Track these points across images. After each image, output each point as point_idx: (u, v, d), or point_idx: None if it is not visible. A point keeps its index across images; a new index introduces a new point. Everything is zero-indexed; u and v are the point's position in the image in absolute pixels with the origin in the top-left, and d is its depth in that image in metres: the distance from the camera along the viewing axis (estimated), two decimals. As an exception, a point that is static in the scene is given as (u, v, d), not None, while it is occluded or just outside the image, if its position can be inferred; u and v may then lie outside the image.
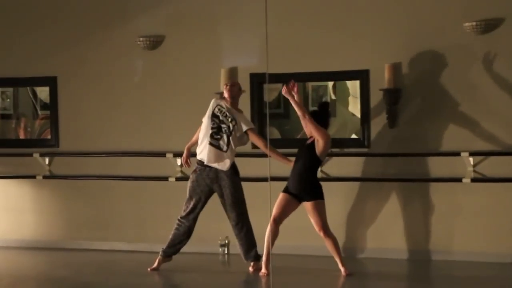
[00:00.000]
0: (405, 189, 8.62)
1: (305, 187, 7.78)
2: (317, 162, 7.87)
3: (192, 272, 8.14)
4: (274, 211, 7.76)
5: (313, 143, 7.80)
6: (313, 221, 7.75)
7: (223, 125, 7.96)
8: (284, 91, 7.74)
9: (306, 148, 7.85)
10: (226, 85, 8.17)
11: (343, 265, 7.80)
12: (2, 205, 9.82)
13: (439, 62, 8.47)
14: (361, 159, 8.72)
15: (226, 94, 8.11)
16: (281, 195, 7.88)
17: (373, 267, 8.36)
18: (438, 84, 8.50)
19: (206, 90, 8.94)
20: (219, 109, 8.01)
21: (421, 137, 8.55)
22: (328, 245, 7.78)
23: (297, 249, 8.74)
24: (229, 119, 7.96)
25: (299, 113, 7.77)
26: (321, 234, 7.72)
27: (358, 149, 8.71)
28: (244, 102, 8.73)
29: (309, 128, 7.85)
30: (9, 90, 9.85)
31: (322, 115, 7.90)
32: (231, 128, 7.94)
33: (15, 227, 9.72)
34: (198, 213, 8.06)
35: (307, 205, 7.78)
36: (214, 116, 7.99)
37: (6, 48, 9.73)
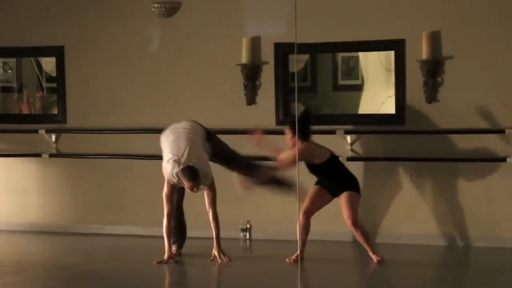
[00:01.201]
0: (444, 169, 8.27)
1: (335, 183, 7.58)
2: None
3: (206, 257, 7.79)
4: (305, 203, 7.61)
5: None
6: (343, 211, 7.55)
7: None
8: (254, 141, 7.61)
9: None
10: (194, 186, 7.44)
11: (374, 252, 7.61)
12: (5, 185, 9.63)
13: (483, 30, 8.08)
14: (395, 137, 8.38)
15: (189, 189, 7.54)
16: (313, 187, 7.66)
17: (408, 253, 8.03)
18: (481, 54, 8.12)
19: (226, 61, 8.73)
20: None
21: (462, 113, 8.20)
22: (358, 236, 7.62)
23: (327, 235, 8.44)
24: None
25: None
26: (349, 224, 7.54)
27: (392, 126, 8.36)
28: (268, 74, 8.60)
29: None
30: (12, 61, 9.70)
31: (304, 124, 7.52)
32: None
33: (19, 209, 9.54)
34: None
35: (340, 196, 7.58)
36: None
37: (8, 14, 9.46)
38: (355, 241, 7.86)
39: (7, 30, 9.41)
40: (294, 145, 7.47)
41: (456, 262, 7.82)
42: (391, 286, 6.98)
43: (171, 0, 8.81)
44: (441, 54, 8.14)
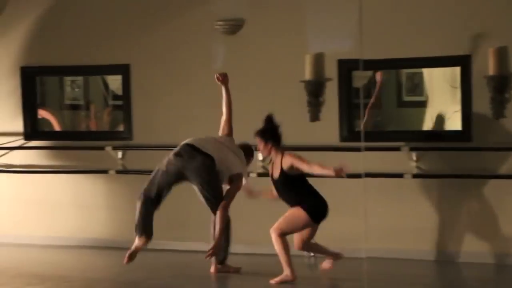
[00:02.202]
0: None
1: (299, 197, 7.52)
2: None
3: (276, 276, 7.61)
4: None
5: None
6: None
7: None
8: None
9: None
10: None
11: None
12: (73, 201, 9.68)
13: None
14: (461, 153, 8.22)
15: None
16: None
17: (477, 272, 7.86)
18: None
19: (290, 78, 8.67)
20: None
21: (532, 129, 8.07)
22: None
23: (395, 252, 8.37)
24: None
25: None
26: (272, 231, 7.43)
27: (459, 143, 8.20)
28: (332, 91, 8.55)
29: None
30: (79, 79, 9.77)
31: (273, 131, 7.57)
32: None
33: (87, 224, 9.58)
34: None
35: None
36: None
37: (75, 33, 9.54)
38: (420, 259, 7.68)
39: (74, 49, 9.46)
40: (268, 153, 7.46)
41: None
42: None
43: (235, 18, 8.89)
44: (509, 70, 7.98)
